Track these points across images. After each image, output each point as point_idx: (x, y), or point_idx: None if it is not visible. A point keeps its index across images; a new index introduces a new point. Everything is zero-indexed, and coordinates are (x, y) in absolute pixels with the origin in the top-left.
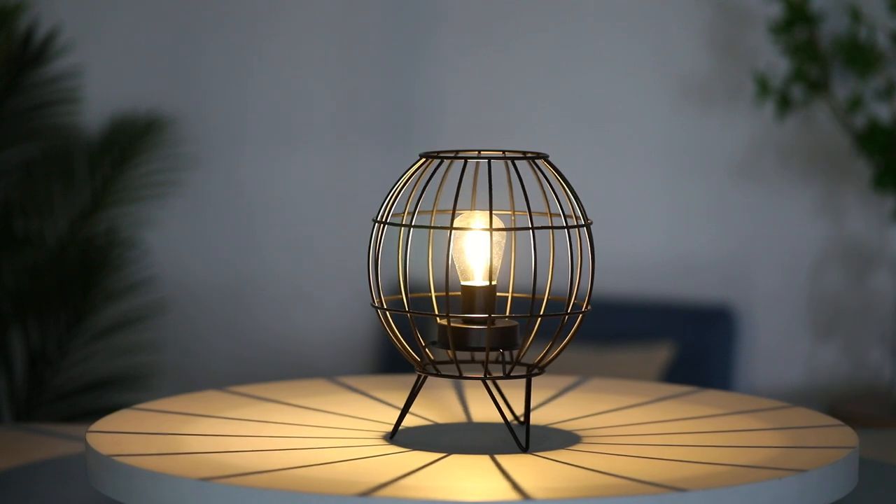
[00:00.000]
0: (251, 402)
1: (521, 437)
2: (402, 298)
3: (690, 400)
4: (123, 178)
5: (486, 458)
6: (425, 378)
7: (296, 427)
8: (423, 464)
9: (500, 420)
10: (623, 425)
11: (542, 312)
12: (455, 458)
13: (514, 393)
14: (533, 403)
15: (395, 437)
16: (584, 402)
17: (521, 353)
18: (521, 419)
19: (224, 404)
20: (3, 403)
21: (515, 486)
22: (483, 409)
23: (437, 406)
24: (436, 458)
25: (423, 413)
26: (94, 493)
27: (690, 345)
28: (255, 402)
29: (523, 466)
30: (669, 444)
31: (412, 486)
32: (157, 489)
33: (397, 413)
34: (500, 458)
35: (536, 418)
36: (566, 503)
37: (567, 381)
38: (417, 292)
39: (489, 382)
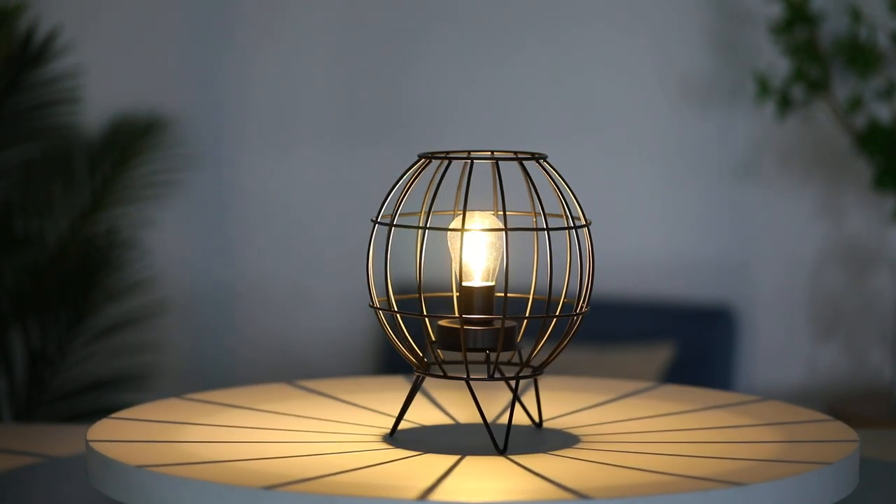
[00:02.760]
0: (252, 402)
1: (540, 438)
2: (398, 299)
3: (698, 402)
4: (123, 178)
5: (453, 459)
6: (421, 378)
7: (300, 424)
8: (379, 461)
9: (517, 422)
10: (641, 431)
11: (534, 314)
12: (426, 457)
13: (549, 395)
14: (581, 405)
15: (398, 436)
16: (628, 408)
17: (519, 355)
18: (537, 422)
19: (223, 404)
20: (3, 403)
21: (432, 487)
22: (488, 410)
23: (467, 405)
24: (405, 455)
25: (452, 412)
26: (94, 493)
27: (690, 345)
28: (256, 402)
29: (476, 468)
30: (664, 452)
31: (337, 482)
32: (157, 489)
33: (440, 414)
34: (470, 458)
35: (568, 421)
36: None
37: (636, 385)
38: (415, 293)
39: (500, 383)
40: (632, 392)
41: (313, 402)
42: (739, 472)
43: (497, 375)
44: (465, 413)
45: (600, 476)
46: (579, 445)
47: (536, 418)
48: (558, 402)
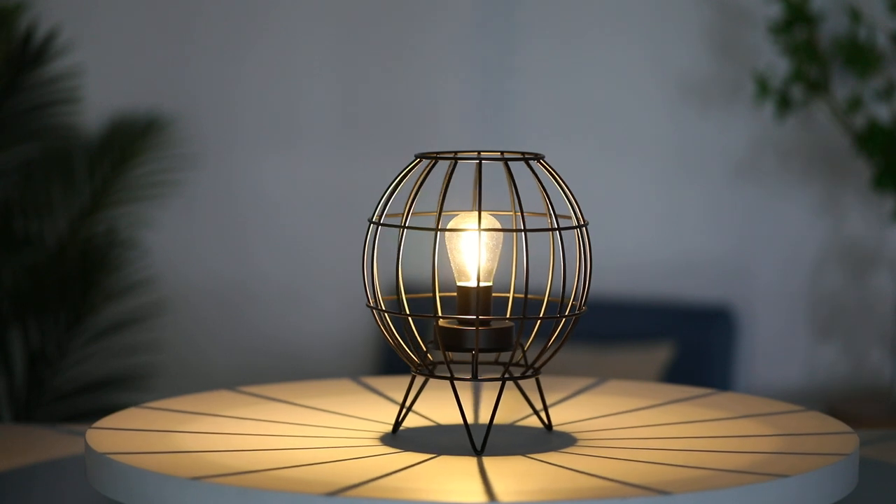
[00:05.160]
0: (251, 403)
1: (537, 440)
2: (396, 299)
3: (700, 403)
4: (123, 178)
5: (422, 457)
6: (424, 379)
7: (298, 427)
8: (344, 458)
9: (530, 424)
10: (648, 438)
11: (538, 314)
12: (398, 456)
13: (592, 399)
14: (613, 410)
15: (400, 435)
16: (656, 413)
17: (525, 356)
18: (546, 423)
19: (224, 404)
20: (3, 403)
21: (360, 484)
22: (510, 412)
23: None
24: (379, 453)
25: (478, 411)
26: (94, 493)
27: (690, 345)
28: (255, 402)
29: (432, 468)
30: (659, 458)
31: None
32: (157, 489)
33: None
34: (443, 458)
35: (587, 425)
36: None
37: (690, 392)
38: (414, 293)
39: (490, 383)
40: (684, 398)
41: (265, 407)
42: (738, 471)
43: (474, 376)
44: (488, 413)
45: (551, 478)
46: (567, 449)
47: (532, 420)
48: (597, 406)
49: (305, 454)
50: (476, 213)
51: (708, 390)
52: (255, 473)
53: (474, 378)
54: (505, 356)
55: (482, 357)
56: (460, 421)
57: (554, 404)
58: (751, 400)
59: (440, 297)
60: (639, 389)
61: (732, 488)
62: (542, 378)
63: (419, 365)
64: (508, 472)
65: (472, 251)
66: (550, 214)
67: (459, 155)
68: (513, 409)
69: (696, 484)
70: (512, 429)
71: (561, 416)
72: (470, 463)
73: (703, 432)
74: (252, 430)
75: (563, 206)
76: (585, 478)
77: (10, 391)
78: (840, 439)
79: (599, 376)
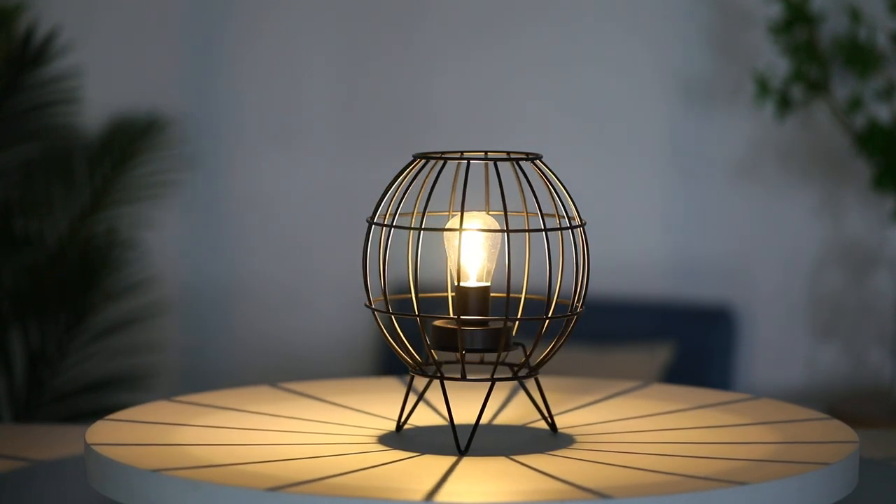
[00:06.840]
0: (251, 402)
1: (536, 441)
2: (392, 299)
3: (728, 409)
4: (123, 178)
5: (403, 455)
6: (429, 379)
7: (307, 423)
8: (325, 455)
9: (535, 425)
10: (643, 441)
11: (530, 314)
12: (380, 454)
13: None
14: (612, 411)
15: (396, 436)
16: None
17: (525, 355)
18: (551, 422)
19: (223, 404)
20: (3, 404)
21: (317, 480)
22: (526, 412)
23: (505, 407)
24: (371, 450)
25: (469, 413)
26: (93, 493)
27: (690, 345)
28: (255, 401)
29: (406, 467)
30: (645, 463)
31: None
32: (157, 489)
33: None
34: (424, 457)
35: (594, 428)
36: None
37: (728, 397)
38: (419, 293)
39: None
40: (716, 403)
41: (320, 402)
42: (739, 472)
43: (463, 376)
44: (504, 413)
45: (512, 480)
46: (556, 451)
47: (530, 422)
48: (624, 409)
49: (295, 450)
50: (477, 213)
51: (743, 395)
52: (226, 467)
53: (463, 378)
54: (512, 357)
55: (488, 357)
56: (471, 420)
57: (584, 406)
58: (779, 406)
59: (434, 298)
60: (677, 394)
61: (731, 488)
62: (583, 381)
63: (413, 365)
64: (475, 473)
65: (467, 251)
66: (542, 215)
67: (461, 155)
68: (531, 410)
69: (665, 487)
70: (519, 430)
71: (580, 419)
72: (445, 463)
73: (709, 437)
74: (257, 426)
75: (560, 206)
76: (547, 480)
77: (10, 391)
78: (840, 439)
79: (599, 377)
